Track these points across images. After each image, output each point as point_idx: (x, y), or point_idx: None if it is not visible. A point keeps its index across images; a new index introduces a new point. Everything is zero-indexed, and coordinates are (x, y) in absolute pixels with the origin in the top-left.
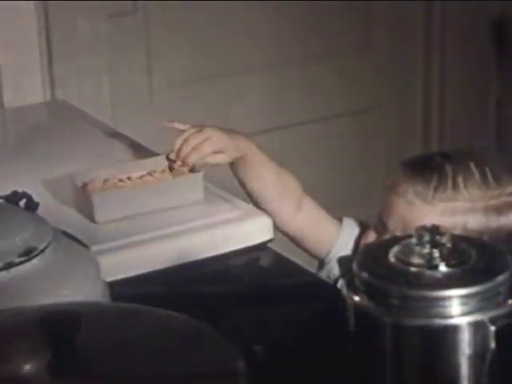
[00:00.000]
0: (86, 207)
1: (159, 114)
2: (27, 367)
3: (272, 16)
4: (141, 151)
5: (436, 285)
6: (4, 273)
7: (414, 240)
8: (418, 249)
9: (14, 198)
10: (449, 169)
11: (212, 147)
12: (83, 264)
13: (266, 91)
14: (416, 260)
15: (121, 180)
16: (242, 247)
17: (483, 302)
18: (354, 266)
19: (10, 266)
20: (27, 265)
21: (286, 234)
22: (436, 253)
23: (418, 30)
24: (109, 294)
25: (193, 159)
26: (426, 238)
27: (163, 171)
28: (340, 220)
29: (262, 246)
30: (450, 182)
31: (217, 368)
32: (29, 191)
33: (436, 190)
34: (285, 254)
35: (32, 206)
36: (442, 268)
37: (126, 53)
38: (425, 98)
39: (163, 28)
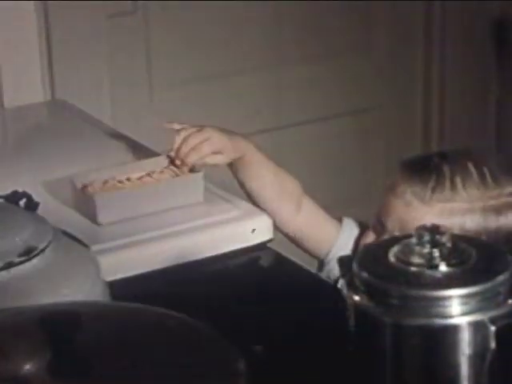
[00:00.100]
0: (87, 209)
1: (159, 114)
2: (27, 367)
3: (272, 16)
4: (141, 151)
5: (436, 284)
6: (4, 272)
7: (413, 240)
8: (418, 248)
9: (13, 197)
10: (447, 169)
11: (211, 147)
12: (83, 264)
13: (265, 91)
14: (416, 260)
15: (120, 181)
16: (241, 247)
17: (483, 301)
18: (354, 266)
19: (9, 265)
20: (27, 264)
21: (285, 235)
22: (436, 252)
23: (418, 30)
24: (109, 294)
25: (192, 159)
26: (426, 237)
27: (161, 172)
28: (340, 220)
29: (261, 246)
30: (448, 183)
31: (217, 368)
32: (28, 191)
33: (434, 190)
34: (285, 254)
35: (32, 205)
36: (442, 268)
37: (126, 53)
38: (425, 98)
39: (163, 28)
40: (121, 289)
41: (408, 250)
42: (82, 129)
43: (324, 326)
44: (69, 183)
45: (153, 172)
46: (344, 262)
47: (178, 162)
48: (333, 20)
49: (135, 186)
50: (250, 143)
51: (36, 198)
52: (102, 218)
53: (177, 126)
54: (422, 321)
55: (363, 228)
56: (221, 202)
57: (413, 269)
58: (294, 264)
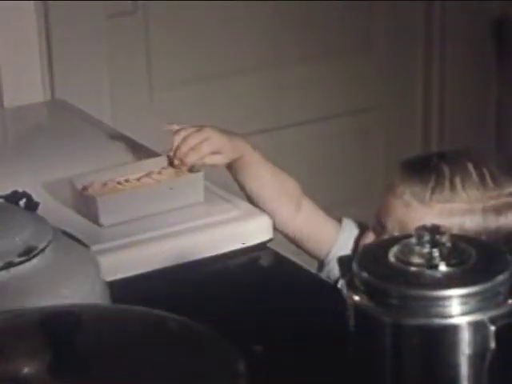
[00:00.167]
0: (88, 210)
1: (159, 114)
2: (27, 369)
3: (272, 16)
4: (141, 151)
5: (436, 284)
6: (4, 272)
7: (413, 240)
8: (417, 248)
9: (13, 197)
10: (446, 170)
11: (210, 147)
12: (83, 264)
13: (265, 91)
14: (416, 260)
15: (119, 183)
16: (241, 247)
17: (483, 301)
18: (354, 266)
19: (9, 265)
20: (27, 264)
21: (285, 235)
22: (436, 252)
23: (418, 30)
24: (109, 294)
25: (191, 159)
26: (426, 237)
27: (159, 172)
28: (339, 221)
29: (261, 246)
30: (447, 183)
31: (217, 369)
32: (28, 192)
33: (433, 191)
34: (285, 254)
35: (32, 205)
36: (442, 268)
37: (126, 53)
38: (425, 98)
39: (163, 28)
40: (121, 289)
41: (408, 250)
42: (81, 129)
43: (324, 326)
44: (68, 184)
45: (152, 173)
46: (344, 261)
47: (176, 162)
48: (333, 20)
49: (135, 187)
50: (248, 144)
51: (36, 198)
52: (104, 219)
53: (176, 127)
54: (421, 321)
55: (363, 228)
56: (221, 202)
57: (412, 269)
58: (293, 264)
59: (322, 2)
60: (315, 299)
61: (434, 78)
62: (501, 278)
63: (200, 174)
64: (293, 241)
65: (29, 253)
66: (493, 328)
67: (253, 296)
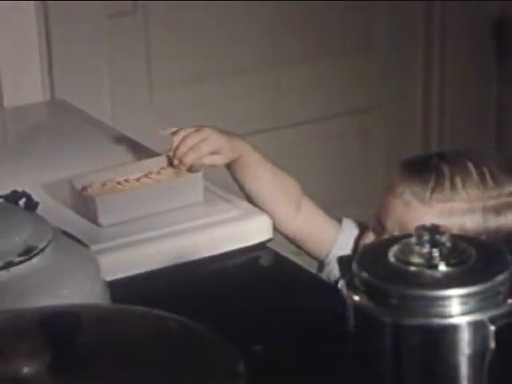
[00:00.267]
0: (87, 210)
1: (159, 114)
2: (27, 369)
3: (272, 16)
4: (141, 151)
5: (435, 284)
6: (4, 272)
7: (413, 239)
8: (417, 248)
9: (13, 197)
10: (446, 169)
11: (209, 147)
12: (83, 263)
13: (265, 91)
14: (415, 259)
15: (119, 183)
16: (241, 247)
17: (483, 301)
18: (354, 266)
19: (9, 265)
20: (27, 264)
21: (285, 236)
22: (436, 252)
23: (418, 30)
24: (108, 294)
25: (190, 159)
26: (426, 237)
27: (158, 172)
28: (339, 221)
29: (261, 246)
30: (447, 183)
31: (217, 369)
32: (28, 191)
33: (433, 190)
34: (284, 253)
35: (31, 205)
36: (442, 267)
37: (126, 53)
38: (425, 98)
39: (163, 28)
40: (120, 288)
41: (407, 250)
42: (81, 129)
43: (324, 326)
44: (68, 184)
45: (151, 173)
46: (343, 261)
47: (176, 162)
48: (333, 20)
49: (135, 187)
50: (247, 144)
51: (35, 198)
52: (103, 219)
53: (173, 130)
54: (421, 321)
55: (363, 228)
56: (220, 201)
57: (412, 269)
58: (293, 264)
59: (321, 1)
60: (315, 299)
61: (433, 78)
62: (500, 277)
63: (199, 174)
64: (293, 241)
65: (29, 252)
66: (492, 328)
67: (252, 296)
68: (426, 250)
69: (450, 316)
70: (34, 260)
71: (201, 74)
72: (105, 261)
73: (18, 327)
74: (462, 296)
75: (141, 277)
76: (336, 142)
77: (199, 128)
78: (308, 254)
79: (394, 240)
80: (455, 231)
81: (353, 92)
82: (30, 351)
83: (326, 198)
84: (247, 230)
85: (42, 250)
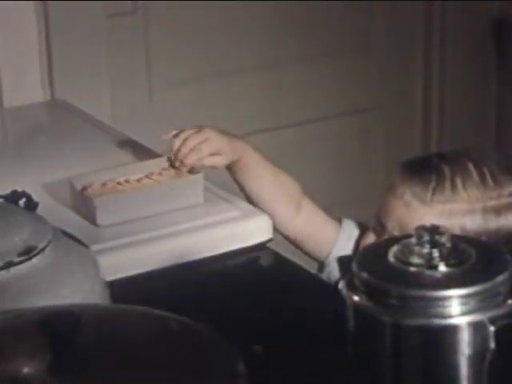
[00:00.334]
0: (87, 211)
1: (159, 114)
2: (27, 369)
3: (272, 16)
4: (140, 151)
5: (435, 285)
6: (4, 272)
7: (413, 240)
8: (417, 249)
9: (13, 197)
10: (447, 170)
11: (210, 148)
12: (83, 263)
13: (265, 91)
14: (415, 260)
15: (119, 183)
16: (241, 247)
17: (483, 301)
18: (354, 266)
19: (9, 265)
20: (27, 264)
21: (285, 237)
22: (435, 253)
23: (418, 30)
24: (108, 294)
25: (191, 160)
26: (426, 237)
27: (160, 173)
28: (339, 221)
29: (261, 246)
30: (448, 184)
31: (217, 369)
32: (28, 191)
33: (434, 191)
34: (284, 254)
35: (31, 205)
36: (442, 268)
37: (126, 53)
38: (425, 98)
39: (163, 28)
40: (120, 288)
41: (407, 250)
42: (81, 129)
43: (324, 326)
44: (68, 184)
45: (152, 174)
46: (344, 262)
47: (177, 164)
48: (333, 20)
49: (135, 187)
50: (248, 145)
51: (35, 198)
52: (102, 220)
53: (173, 133)
54: (421, 321)
55: (363, 229)
56: (221, 202)
57: (412, 269)
58: (293, 264)
59: (322, 1)
60: (315, 299)
61: (433, 78)
62: (500, 278)
63: (200, 176)
64: (293, 242)
65: (28, 252)
66: (492, 328)
67: (252, 296)
68: (425, 250)
69: (450, 316)
70: (34, 260)
71: (201, 74)
72: (105, 261)
73: (18, 327)
74: (462, 296)
75: (141, 277)
76: (336, 142)
77: (199, 129)
78: (308, 254)
79: (394, 240)
80: (456, 232)
81: (353, 92)
82: (30, 351)
83: (326, 198)
84: (247, 231)
85: (42, 250)
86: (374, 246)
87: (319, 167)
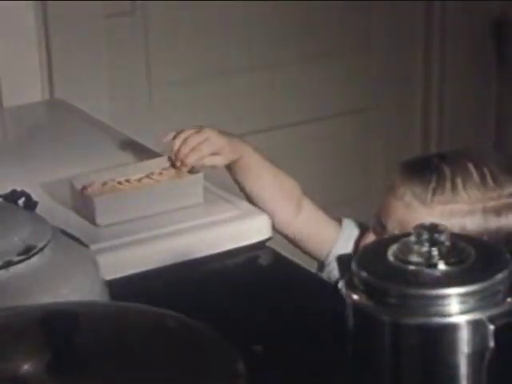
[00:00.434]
0: (86, 210)
1: (159, 113)
2: (26, 367)
3: (271, 16)
4: (140, 151)
5: (435, 283)
6: (3, 271)
7: (412, 238)
8: (416, 247)
9: (12, 196)
10: (447, 170)
11: (210, 148)
12: (82, 263)
13: (265, 91)
14: (415, 258)
15: (119, 183)
16: (240, 246)
17: (482, 300)
18: (353, 265)
19: (8, 264)
20: (26, 263)
21: (285, 236)
22: (435, 251)
23: (418, 30)
24: (108, 293)
25: (192, 160)
26: (425, 236)
27: (160, 173)
28: (339, 221)
29: (260, 245)
30: (448, 184)
31: (216, 368)
32: (27, 191)
33: (434, 191)
34: (284, 253)
35: (31, 204)
36: (441, 266)
37: (126, 53)
38: (424, 98)
39: (162, 28)
40: (120, 288)
41: (407, 249)
42: (81, 129)
43: (323, 325)
44: (68, 184)
45: (152, 173)
46: (343, 261)
47: (177, 164)
48: (333, 20)
49: (135, 187)
50: (247, 145)
51: (35, 198)
52: (101, 219)
53: (173, 134)
54: (420, 320)
55: (363, 229)
56: (221, 201)
57: (411, 268)
58: (292, 263)
59: (321, 2)
60: (314, 298)
61: (433, 78)
62: (500, 276)
63: (200, 176)
64: (293, 241)
65: (28, 252)
66: (492, 327)
67: (252, 295)
68: (425, 248)
69: (449, 315)
70: (34, 259)
71: (200, 74)
72: (104, 260)
73: (17, 325)
74: (462, 295)
75: (140, 276)
76: (336, 142)
77: (200, 129)
78: (308, 254)
79: (393, 239)
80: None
81: (352, 92)
82: (30, 350)
83: (326, 199)
84: (247, 230)
85: (42, 249)
86: (373, 245)
87: (319, 167)
